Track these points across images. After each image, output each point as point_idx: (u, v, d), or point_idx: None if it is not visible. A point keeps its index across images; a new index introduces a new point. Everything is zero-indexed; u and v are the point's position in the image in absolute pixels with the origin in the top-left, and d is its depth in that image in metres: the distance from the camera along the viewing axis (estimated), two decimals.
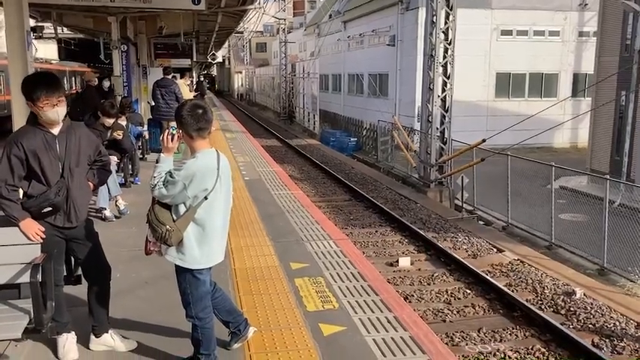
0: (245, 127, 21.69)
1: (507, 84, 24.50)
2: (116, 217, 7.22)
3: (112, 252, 5.70)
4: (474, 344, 6.45)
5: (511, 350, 6.28)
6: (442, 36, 15.03)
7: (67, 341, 3.71)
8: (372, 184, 15.86)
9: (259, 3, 22.33)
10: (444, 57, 15.14)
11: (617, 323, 6.94)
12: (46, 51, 30.65)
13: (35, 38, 19.95)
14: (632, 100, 15.47)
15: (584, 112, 19.69)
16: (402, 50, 24.50)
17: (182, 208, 3.25)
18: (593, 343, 6.47)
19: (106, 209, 7.11)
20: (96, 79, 14.08)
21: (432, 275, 8.53)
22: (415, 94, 21.08)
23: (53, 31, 17.44)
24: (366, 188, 14.91)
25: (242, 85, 70.33)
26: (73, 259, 3.83)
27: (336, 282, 5.11)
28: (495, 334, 6.67)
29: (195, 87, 22.41)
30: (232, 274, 5.25)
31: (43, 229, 3.47)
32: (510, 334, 6.68)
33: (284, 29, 41.52)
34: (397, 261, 9.03)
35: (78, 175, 3.63)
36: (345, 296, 4.80)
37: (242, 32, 50.57)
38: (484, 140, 13.30)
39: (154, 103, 12.28)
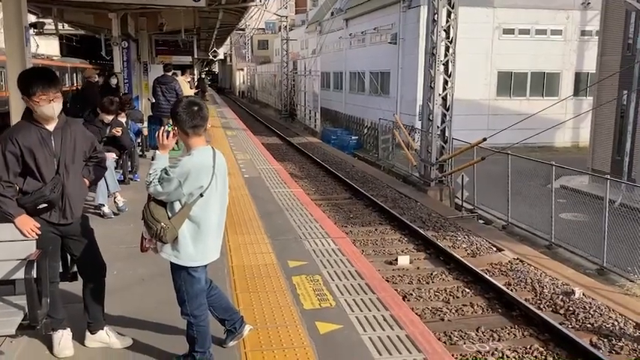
0: (246, 125, 21.67)
1: (509, 83, 24.46)
2: (115, 213, 7.21)
3: (110, 249, 5.72)
4: (472, 343, 6.43)
5: (509, 349, 6.27)
6: (443, 34, 14.99)
7: (63, 338, 3.71)
8: (372, 182, 15.84)
9: (260, 0, 22.30)
10: (445, 55, 15.10)
11: (616, 323, 6.92)
12: (48, 47, 30.64)
13: (36, 34, 20.01)
14: (634, 100, 15.44)
15: (585, 112, 19.65)
16: (403, 48, 24.46)
17: (177, 206, 3.24)
18: (591, 342, 6.46)
19: (104, 206, 7.10)
20: (96, 76, 14.06)
21: (431, 274, 8.52)
22: (417, 92, 21.03)
23: (54, 27, 17.37)
24: (366, 186, 14.89)
25: (243, 82, 70.33)
26: (68, 255, 3.82)
27: (333, 280, 5.10)
28: (494, 333, 6.66)
29: (196, 84, 22.43)
30: (230, 272, 5.24)
31: (39, 225, 3.47)
32: (509, 334, 6.66)
33: (286, 26, 41.47)
34: (396, 259, 9.01)
35: (73, 171, 3.62)
36: (342, 294, 4.79)
37: (244, 29, 50.58)
38: (485, 139, 13.28)
39: (154, 100, 12.27)
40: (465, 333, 6.63)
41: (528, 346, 6.32)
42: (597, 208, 10.43)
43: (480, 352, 6.24)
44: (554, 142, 23.71)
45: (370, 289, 4.93)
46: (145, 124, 12.04)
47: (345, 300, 4.66)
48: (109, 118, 7.67)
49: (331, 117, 33.59)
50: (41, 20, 17.67)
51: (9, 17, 6.48)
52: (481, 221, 12.91)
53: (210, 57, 35.67)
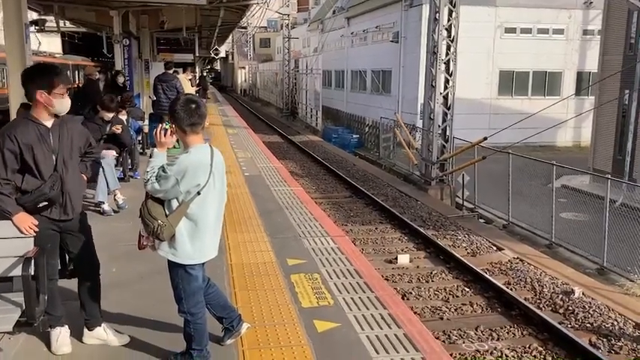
0: (247, 123, 21.65)
1: (511, 82, 24.43)
2: (114, 211, 7.21)
3: (110, 246, 5.75)
4: (471, 342, 6.43)
5: (508, 349, 6.27)
6: (445, 33, 14.97)
7: (61, 335, 3.71)
8: (373, 181, 15.83)
9: None
10: (447, 54, 15.09)
11: (615, 323, 6.91)
12: (50, 45, 30.66)
13: (38, 32, 20.03)
14: (636, 99, 15.41)
15: (586, 111, 19.62)
16: (405, 47, 24.44)
17: (175, 203, 3.25)
18: (590, 342, 6.45)
19: (104, 203, 7.11)
20: (97, 74, 14.05)
21: (431, 273, 8.51)
22: (418, 91, 21.02)
23: (55, 25, 17.39)
24: (367, 185, 14.88)
25: (245, 80, 70.32)
26: (65, 252, 3.82)
27: (332, 279, 5.10)
28: (493, 332, 6.65)
29: (197, 82, 22.42)
30: (229, 270, 5.25)
31: (37, 222, 3.47)
32: (508, 333, 6.66)
33: (288, 25, 41.44)
34: (396, 258, 9.01)
35: (71, 167, 3.63)
36: (341, 293, 4.78)
37: (246, 27, 50.59)
38: (485, 138, 13.28)
39: (155, 98, 12.27)
40: (464, 332, 6.62)
41: (527, 346, 6.32)
42: (598, 207, 10.41)
43: (479, 351, 6.23)
44: (555, 141, 23.69)
45: (369, 287, 4.93)
46: (146, 121, 12.05)
47: (344, 298, 4.66)
48: (110, 115, 7.67)
49: (332, 115, 33.58)
50: (43, 17, 17.66)
51: (9, 14, 6.48)
52: (482, 220, 12.90)
53: (212, 55, 35.64)
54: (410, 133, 18.25)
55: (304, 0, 50.96)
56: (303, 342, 3.89)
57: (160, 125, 3.35)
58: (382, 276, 7.88)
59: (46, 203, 3.51)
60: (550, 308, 7.39)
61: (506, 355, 6.14)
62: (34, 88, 3.41)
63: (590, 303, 7.45)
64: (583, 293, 7.73)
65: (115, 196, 7.35)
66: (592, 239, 10.05)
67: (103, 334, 3.80)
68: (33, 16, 17.04)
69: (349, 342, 3.94)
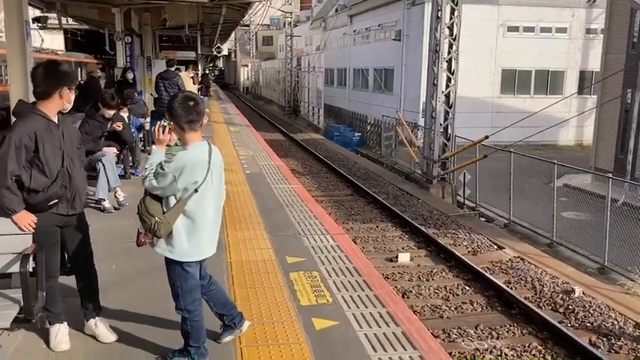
0: (249, 121, 21.65)
1: (513, 81, 24.38)
2: (115, 208, 7.21)
3: (110, 243, 5.77)
4: (471, 341, 6.43)
5: (507, 348, 6.26)
6: (447, 31, 14.95)
7: (59, 332, 3.72)
8: (374, 179, 15.83)
9: None
10: (449, 53, 15.06)
11: (616, 322, 6.90)
12: (53, 42, 30.69)
13: (40, 29, 20.05)
14: (638, 98, 15.36)
15: (588, 110, 19.58)
16: (407, 45, 24.40)
17: (172, 201, 3.25)
18: (590, 341, 6.44)
19: (105, 200, 7.11)
20: (98, 71, 14.07)
21: (431, 271, 8.51)
22: (420, 89, 21.00)
23: (57, 22, 17.40)
24: (368, 183, 14.88)
25: (248, 78, 70.29)
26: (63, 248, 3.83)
27: (331, 277, 5.10)
28: (492, 331, 6.65)
29: (200, 79, 22.44)
30: (228, 267, 5.25)
31: (35, 219, 3.47)
32: (507, 332, 6.65)
33: (290, 23, 41.41)
34: (397, 256, 9.01)
35: (77, 162, 3.69)
36: (340, 291, 4.78)
37: (248, 25, 50.52)
38: (487, 137, 13.26)
39: (156, 95, 12.27)
40: (464, 331, 6.62)
41: (527, 345, 6.31)
42: (599, 206, 10.39)
43: (479, 350, 6.23)
44: (558, 140, 23.66)
45: (368, 285, 4.93)
46: (148, 119, 12.04)
47: (342, 296, 4.66)
48: (111, 112, 7.67)
49: (334, 113, 33.56)
50: (45, 15, 17.69)
51: (10, 11, 6.49)
52: (483, 219, 12.88)
53: (214, 53, 35.63)
54: (412, 131, 18.24)
55: None
56: (301, 340, 3.89)
57: (159, 122, 3.36)
58: (383, 274, 7.93)
59: (57, 201, 3.54)
60: (550, 307, 7.38)
61: (506, 354, 6.13)
62: (58, 85, 3.47)
63: (590, 302, 7.44)
64: (583, 292, 7.72)
65: (115, 193, 7.35)
66: (593, 238, 10.03)
67: (92, 327, 3.82)
68: (36, 13, 17.08)
69: (347, 340, 3.94)
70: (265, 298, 4.57)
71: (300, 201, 8.13)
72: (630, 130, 15.53)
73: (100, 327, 3.82)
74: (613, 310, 7.26)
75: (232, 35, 44.70)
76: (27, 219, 3.44)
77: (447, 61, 15.06)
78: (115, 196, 7.34)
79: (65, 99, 3.51)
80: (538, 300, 7.61)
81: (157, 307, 4.18)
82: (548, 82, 24.72)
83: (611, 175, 10.37)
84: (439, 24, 14.85)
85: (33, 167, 3.43)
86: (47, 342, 3.72)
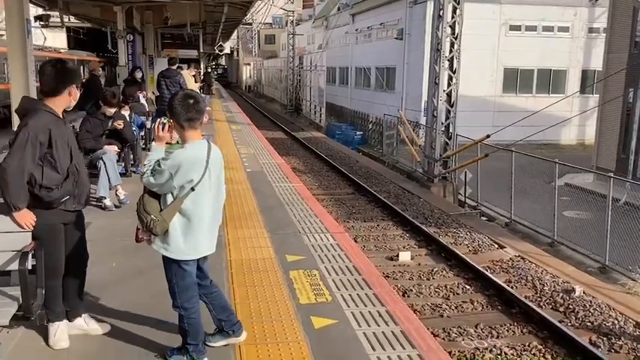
0: (251, 119, 21.63)
1: (515, 79, 24.35)
2: (116, 206, 7.22)
3: (110, 241, 5.78)
4: (471, 340, 6.43)
5: (507, 347, 6.26)
6: (449, 30, 14.93)
7: (59, 330, 3.72)
8: (375, 177, 15.83)
9: None
10: (450, 51, 15.05)
11: (616, 322, 6.89)
12: (55, 40, 30.72)
13: (42, 27, 20.07)
14: None
15: (589, 109, 19.53)
16: (409, 44, 24.37)
17: (170, 198, 3.26)
18: (590, 341, 6.44)
19: (106, 198, 7.12)
20: (100, 69, 14.08)
21: (432, 270, 8.51)
22: (422, 88, 20.97)
23: (59, 20, 17.41)
24: (369, 182, 14.88)
25: (250, 76, 70.29)
26: None
27: (330, 275, 5.09)
28: (492, 330, 6.65)
29: (202, 78, 22.44)
30: (227, 266, 5.25)
31: (35, 217, 3.47)
32: (507, 331, 6.65)
33: (292, 21, 41.38)
34: (397, 255, 9.01)
35: (81, 158, 3.76)
36: (339, 289, 4.78)
37: (251, 24, 50.55)
38: (488, 136, 13.24)
39: (158, 94, 12.28)
40: (464, 329, 6.62)
41: (527, 344, 6.31)
42: (601, 206, 10.37)
43: (479, 349, 6.23)
44: (560, 139, 23.62)
45: (367, 284, 4.93)
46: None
47: (342, 295, 4.65)
48: (112, 111, 7.68)
49: (336, 112, 33.55)
50: (47, 13, 17.70)
51: (10, 9, 6.50)
52: (484, 218, 12.87)
53: (217, 51, 35.65)
54: (413, 130, 18.23)
55: None
56: (299, 338, 3.89)
57: (159, 119, 3.37)
58: (383, 273, 7.93)
59: (68, 197, 3.56)
60: (550, 306, 7.38)
61: (506, 353, 6.13)
62: (67, 83, 3.51)
63: (590, 302, 7.43)
64: (584, 292, 7.72)
65: (116, 191, 7.35)
66: (594, 238, 10.02)
67: (83, 325, 3.83)
68: (38, 11, 17.10)
69: (346, 338, 3.94)
70: (264, 296, 4.57)
71: (301, 199, 8.13)
72: (632, 129, 15.50)
73: (90, 322, 3.84)
74: (613, 309, 7.25)
75: (235, 34, 44.72)
76: (28, 217, 3.44)
77: (448, 60, 15.05)
78: (116, 194, 7.34)
79: (73, 96, 3.57)
80: (538, 299, 7.60)
81: (157, 305, 4.18)
82: (551, 81, 24.67)
83: (612, 175, 10.34)
84: (441, 23, 14.83)
85: (45, 164, 3.44)
86: (46, 340, 3.73)
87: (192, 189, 3.23)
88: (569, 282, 8.09)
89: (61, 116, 3.56)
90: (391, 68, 26.49)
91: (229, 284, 4.81)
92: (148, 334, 3.86)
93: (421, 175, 15.99)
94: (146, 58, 19.21)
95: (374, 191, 13.36)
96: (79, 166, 3.61)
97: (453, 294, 7.72)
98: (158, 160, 3.24)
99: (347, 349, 3.82)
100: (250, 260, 5.42)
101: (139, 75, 13.37)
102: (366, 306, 4.48)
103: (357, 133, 26.98)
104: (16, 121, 5.12)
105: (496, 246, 9.82)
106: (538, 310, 6.99)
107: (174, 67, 12.88)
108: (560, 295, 7.66)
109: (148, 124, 10.66)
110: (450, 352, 5.96)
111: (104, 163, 7.03)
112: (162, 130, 3.32)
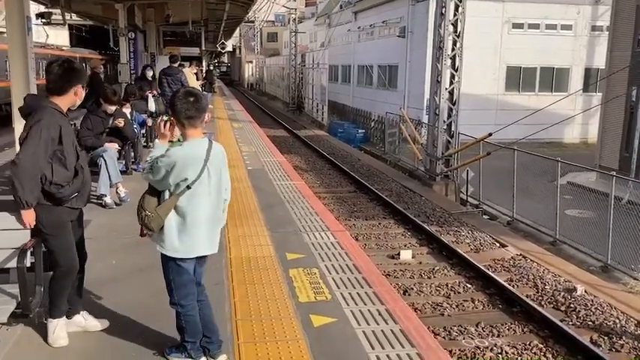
0: (253, 117, 21.63)
1: (518, 78, 24.30)
2: (116, 204, 7.22)
3: (111, 239, 5.79)
4: (472, 338, 6.41)
5: (508, 345, 6.25)
6: (451, 28, 14.88)
7: (58, 327, 3.71)
8: (377, 176, 15.81)
9: None
10: (453, 49, 15.00)
11: (617, 321, 6.87)
12: (58, 37, 30.73)
13: (44, 24, 20.06)
14: None
15: (592, 107, 19.48)
16: (412, 42, 24.33)
17: (167, 196, 3.26)
18: (591, 340, 6.42)
19: (106, 196, 7.11)
20: (101, 67, 14.06)
21: (433, 269, 8.49)
22: (424, 86, 20.92)
23: (61, 18, 17.39)
24: (371, 180, 14.86)
25: (252, 74, 70.27)
26: None
27: (330, 273, 5.09)
28: (493, 329, 6.63)
29: (204, 76, 22.43)
30: (227, 264, 5.24)
31: (35, 218, 3.47)
32: (508, 330, 6.63)
33: (295, 19, 41.34)
34: (399, 254, 8.99)
35: (83, 155, 3.78)
36: (339, 288, 4.77)
37: (253, 21, 50.54)
38: (490, 134, 13.21)
39: (160, 91, 12.28)
40: (465, 328, 6.60)
41: (528, 343, 6.29)
42: (603, 205, 10.34)
43: (479, 348, 6.21)
44: (562, 138, 23.57)
45: (367, 283, 4.92)
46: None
47: (341, 293, 4.64)
48: (112, 108, 7.67)
49: (338, 110, 33.52)
50: (49, 10, 17.70)
51: (10, 7, 6.49)
52: (486, 217, 12.85)
53: (218, 49, 35.63)
54: (415, 128, 18.19)
55: None
56: (298, 336, 3.88)
57: (161, 117, 3.37)
58: (384, 272, 7.93)
59: (77, 194, 3.57)
60: (552, 305, 7.36)
61: (506, 352, 6.12)
62: (74, 83, 3.55)
63: (592, 301, 7.41)
64: (585, 291, 7.70)
65: (117, 189, 7.35)
66: (596, 237, 9.99)
67: (81, 321, 3.83)
68: (40, 9, 17.10)
69: (345, 337, 3.93)
70: (264, 294, 4.56)
71: (302, 197, 8.12)
72: (635, 128, 15.44)
73: (89, 318, 3.85)
74: (615, 308, 7.23)
75: (237, 31, 44.69)
76: (32, 216, 3.45)
77: (450, 58, 15.00)
78: (117, 192, 7.34)
79: (78, 96, 3.60)
80: (540, 298, 7.58)
81: (155, 303, 4.17)
82: (553, 79, 24.61)
83: (615, 173, 10.30)
84: (443, 20, 14.78)
85: (54, 161, 3.46)
86: (45, 337, 3.72)
87: (188, 187, 3.21)
88: (571, 281, 8.07)
89: (66, 114, 3.59)
90: (393, 66, 26.44)
91: (229, 282, 4.80)
92: (147, 332, 3.85)
93: (423, 173, 15.96)
94: (148, 56, 19.20)
95: (375, 189, 13.34)
96: (83, 164, 3.64)
97: (454, 293, 7.71)
98: (158, 157, 3.23)
99: (346, 347, 3.81)
100: (250, 258, 5.41)
101: (149, 73, 13.33)
102: (365, 304, 4.47)
103: (359, 131, 26.95)
104: (17, 118, 5.13)
105: (498, 245, 9.80)
106: (539, 309, 6.97)
107: (176, 65, 12.88)
108: (562, 294, 7.64)
109: (149, 122, 10.66)
110: (450, 351, 5.96)
111: (105, 160, 7.03)
112: (164, 127, 3.32)
